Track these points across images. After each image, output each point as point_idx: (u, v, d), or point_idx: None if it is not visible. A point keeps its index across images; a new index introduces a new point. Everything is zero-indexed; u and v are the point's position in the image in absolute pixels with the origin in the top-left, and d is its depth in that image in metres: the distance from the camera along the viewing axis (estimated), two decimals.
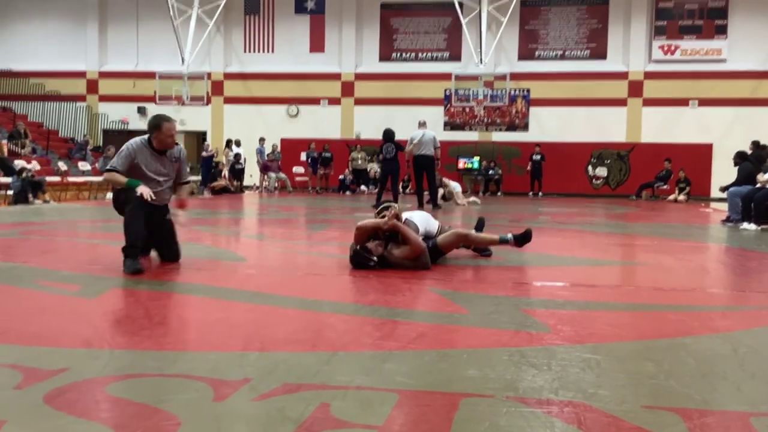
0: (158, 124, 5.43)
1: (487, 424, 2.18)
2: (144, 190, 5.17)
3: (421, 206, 13.45)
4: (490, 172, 23.10)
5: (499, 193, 22.79)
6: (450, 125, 23.91)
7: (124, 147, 5.48)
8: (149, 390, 2.49)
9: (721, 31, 22.68)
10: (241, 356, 2.93)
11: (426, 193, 14.46)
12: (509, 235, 6.06)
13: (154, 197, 5.19)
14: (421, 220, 5.99)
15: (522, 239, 6.02)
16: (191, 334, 3.43)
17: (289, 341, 3.19)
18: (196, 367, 2.75)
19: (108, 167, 5.46)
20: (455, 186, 16.40)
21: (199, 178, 21.91)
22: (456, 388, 2.54)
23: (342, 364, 2.82)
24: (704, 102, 22.65)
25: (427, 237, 5.83)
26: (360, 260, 5.45)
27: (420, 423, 2.21)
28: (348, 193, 22.54)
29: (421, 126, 14.84)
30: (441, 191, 15.34)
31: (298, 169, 23.95)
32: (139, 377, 2.63)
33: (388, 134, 14.86)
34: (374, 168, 23.14)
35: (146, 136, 5.48)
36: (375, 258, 5.44)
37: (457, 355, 2.99)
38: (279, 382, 2.54)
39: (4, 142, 17.28)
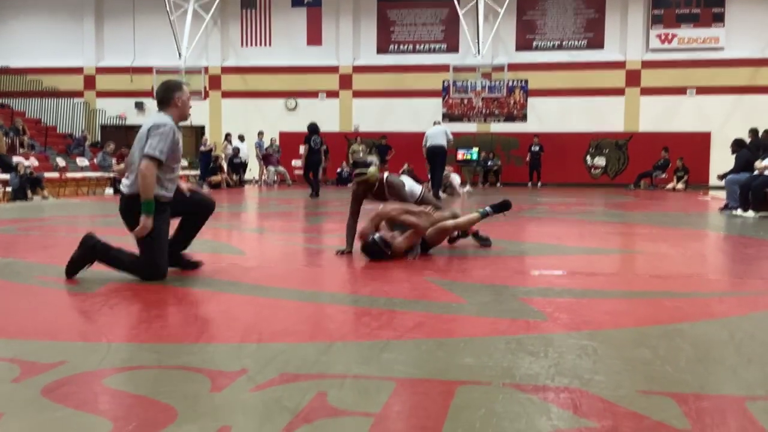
0: (179, 85, 4.75)
1: (484, 410, 2.19)
2: (148, 226, 4.43)
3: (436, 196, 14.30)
4: (489, 163, 23.07)
5: (498, 184, 22.78)
6: (448, 117, 23.86)
7: (161, 124, 4.49)
8: (147, 382, 2.50)
9: (719, 19, 22.63)
10: (238, 347, 2.94)
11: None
12: (487, 208, 6.05)
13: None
14: (406, 180, 6.08)
15: (499, 207, 6.04)
16: (189, 326, 3.44)
17: (286, 332, 3.20)
18: (193, 359, 2.75)
19: (153, 154, 4.39)
20: (454, 177, 16.46)
21: (198, 172, 21.90)
22: (453, 375, 2.55)
23: (339, 354, 2.83)
24: (702, 90, 22.62)
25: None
26: (375, 250, 5.42)
27: (417, 410, 2.22)
28: (349, 185, 22.53)
29: (435, 124, 15.87)
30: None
31: (297, 162, 23.92)
32: (137, 369, 2.64)
33: (315, 127, 15.89)
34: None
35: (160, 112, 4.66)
36: (390, 250, 5.42)
37: (454, 344, 3.00)
38: (276, 372, 2.55)
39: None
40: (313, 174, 15.83)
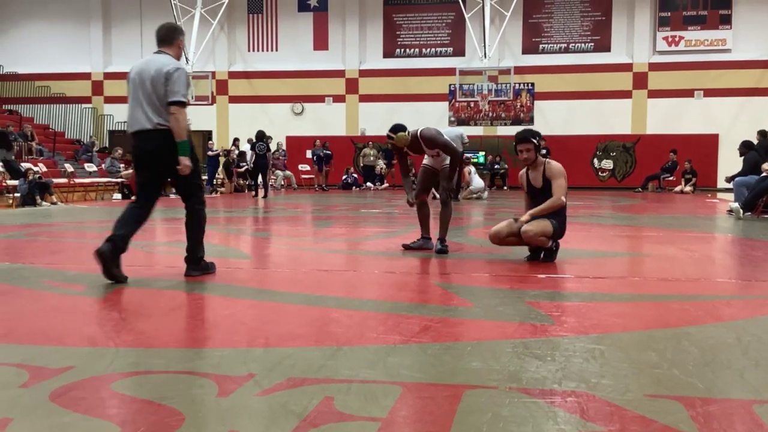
0: (181, 29, 5.04)
1: (490, 414, 2.19)
2: (188, 164, 4.68)
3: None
4: (496, 166, 23.06)
5: (505, 188, 22.75)
6: (455, 120, 23.90)
7: (181, 67, 4.76)
8: (154, 387, 2.50)
9: (726, 21, 22.57)
10: (245, 352, 2.94)
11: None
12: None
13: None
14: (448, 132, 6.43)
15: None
16: (196, 331, 3.45)
17: (293, 336, 3.21)
18: (200, 363, 2.76)
19: (182, 99, 4.68)
20: (476, 180, 16.52)
21: (205, 177, 21.94)
22: (459, 380, 2.55)
23: (346, 359, 2.83)
24: (709, 92, 22.56)
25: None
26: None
27: (423, 414, 2.22)
28: (354, 189, 22.55)
29: (450, 124, 16.05)
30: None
31: (304, 167, 23.95)
32: (144, 374, 2.64)
33: (260, 134, 17.20)
34: (380, 164, 23.12)
35: (159, 53, 4.87)
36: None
37: (460, 348, 3.00)
38: (283, 376, 2.56)
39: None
40: (257, 177, 17.61)
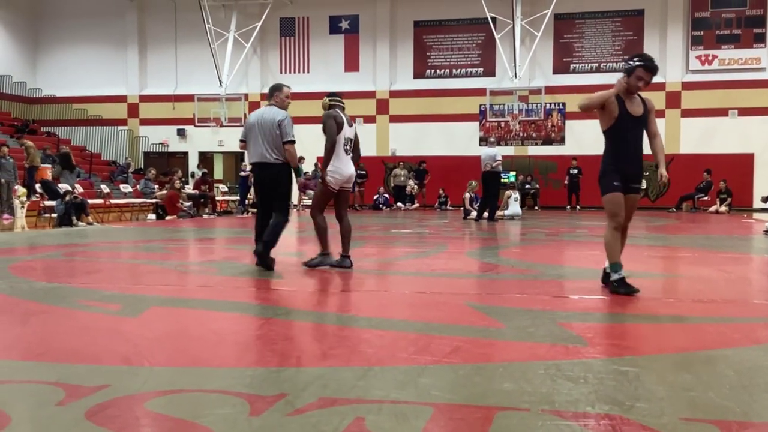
0: (279, 86, 6.78)
1: None
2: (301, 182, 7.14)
3: (479, 217, 15.01)
4: (527, 186, 22.95)
5: (536, 207, 22.63)
6: (485, 140, 23.87)
7: (288, 116, 6.51)
8: (187, 406, 2.52)
9: (760, 39, 22.31)
10: (277, 372, 2.96)
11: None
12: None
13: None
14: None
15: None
16: (228, 350, 3.47)
17: (324, 356, 3.22)
18: (233, 383, 2.78)
19: (292, 138, 6.48)
20: (514, 209, 16.43)
21: (238, 197, 22.15)
22: (491, 401, 2.53)
23: (377, 379, 2.83)
24: (744, 111, 22.26)
25: None
26: None
27: None
28: (383, 208, 22.56)
29: (489, 145, 16.22)
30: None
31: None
32: (177, 393, 2.67)
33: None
34: (411, 185, 23.14)
35: (270, 106, 6.58)
36: None
37: (492, 369, 2.98)
38: (314, 396, 2.56)
39: (47, 166, 17.71)
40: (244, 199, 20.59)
